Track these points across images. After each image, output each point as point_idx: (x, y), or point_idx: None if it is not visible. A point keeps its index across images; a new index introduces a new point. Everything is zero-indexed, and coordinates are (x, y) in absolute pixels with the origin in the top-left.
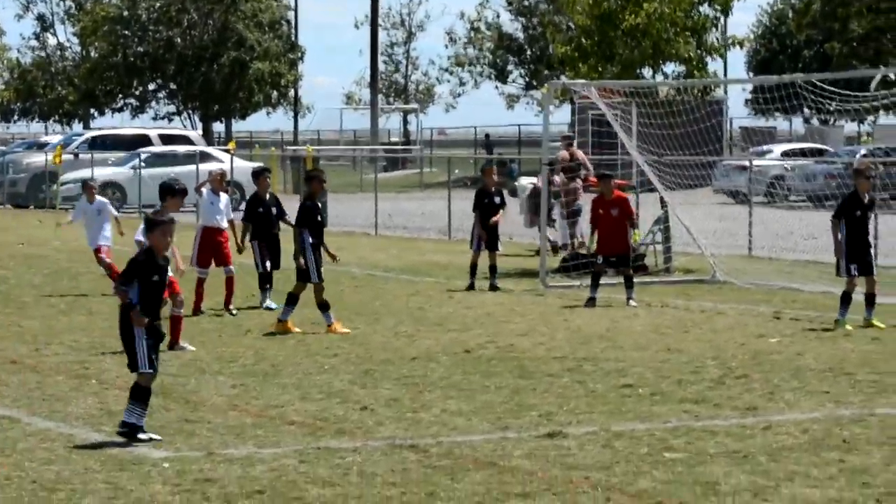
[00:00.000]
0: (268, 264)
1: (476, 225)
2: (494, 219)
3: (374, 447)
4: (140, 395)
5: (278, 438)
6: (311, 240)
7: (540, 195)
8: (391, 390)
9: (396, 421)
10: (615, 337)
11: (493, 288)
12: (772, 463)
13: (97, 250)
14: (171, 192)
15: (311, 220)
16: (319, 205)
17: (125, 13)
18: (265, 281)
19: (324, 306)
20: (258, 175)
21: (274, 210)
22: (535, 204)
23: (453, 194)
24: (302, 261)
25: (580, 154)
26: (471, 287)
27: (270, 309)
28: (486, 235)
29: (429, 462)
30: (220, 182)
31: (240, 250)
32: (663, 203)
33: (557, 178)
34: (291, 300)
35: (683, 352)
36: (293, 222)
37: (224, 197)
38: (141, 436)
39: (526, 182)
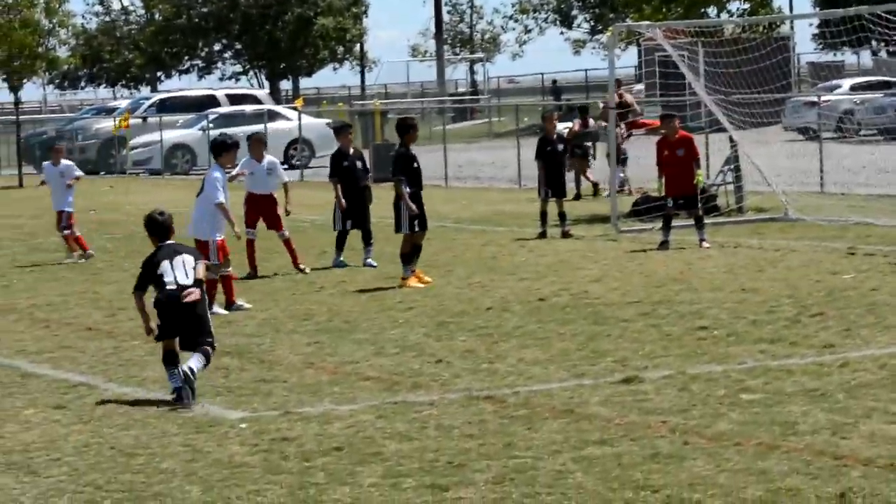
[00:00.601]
0: (348, 223)
1: (541, 172)
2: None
3: (450, 400)
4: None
5: (354, 395)
6: (408, 189)
7: (577, 138)
8: (466, 342)
9: (472, 373)
10: (689, 279)
11: (566, 235)
12: (850, 400)
13: (58, 215)
14: (225, 146)
15: (408, 169)
16: (414, 153)
17: None
18: (342, 239)
19: (406, 258)
20: (340, 131)
21: (359, 164)
22: (572, 147)
23: (522, 143)
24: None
25: (629, 97)
26: (542, 235)
27: (371, 266)
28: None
29: (506, 412)
30: (258, 148)
31: (287, 213)
32: (733, 142)
33: (603, 123)
34: (407, 259)
35: (758, 291)
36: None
37: (266, 161)
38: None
39: (562, 126)
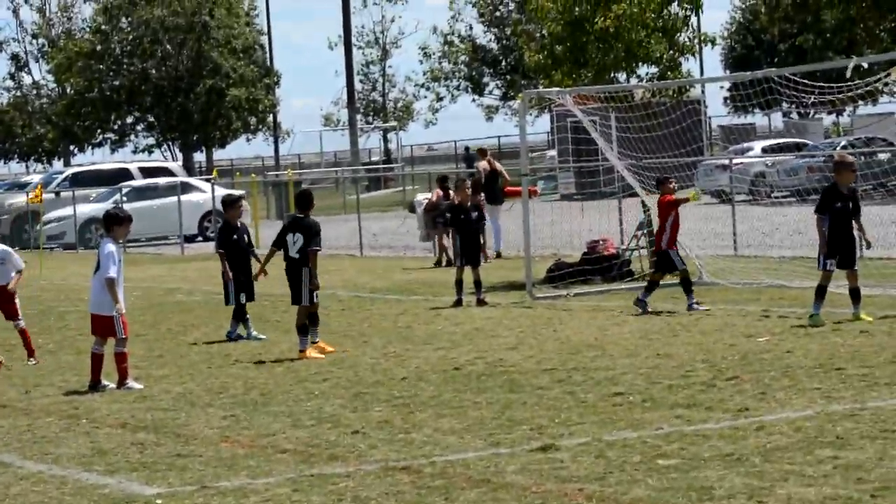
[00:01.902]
0: (242, 296)
1: (454, 241)
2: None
3: (367, 471)
4: None
5: (271, 468)
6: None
7: (436, 209)
8: (382, 412)
9: (389, 443)
10: (604, 345)
11: (481, 302)
12: (766, 464)
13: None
14: (117, 219)
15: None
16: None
17: (98, 48)
18: (242, 312)
19: (303, 329)
20: (230, 204)
21: (245, 237)
22: (432, 218)
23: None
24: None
25: (498, 165)
26: (458, 303)
27: (259, 339)
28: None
29: (422, 483)
30: None
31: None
32: (646, 207)
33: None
34: (304, 330)
35: (673, 356)
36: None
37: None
38: None
39: (421, 197)
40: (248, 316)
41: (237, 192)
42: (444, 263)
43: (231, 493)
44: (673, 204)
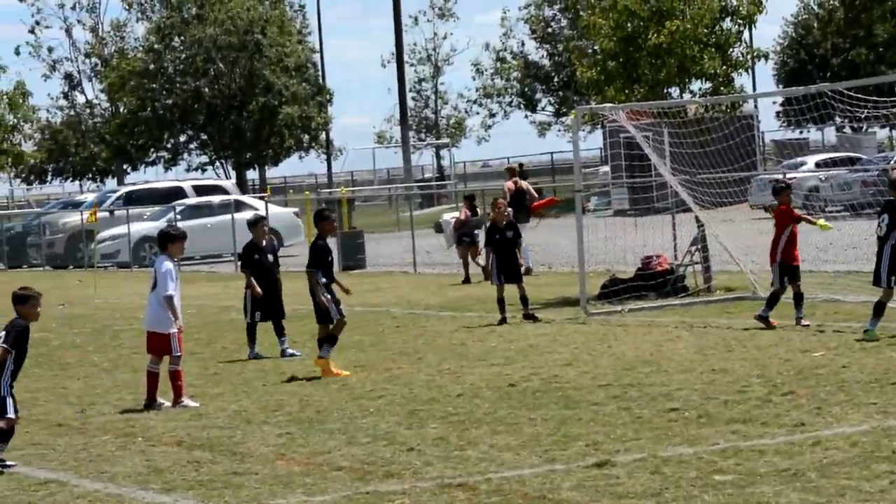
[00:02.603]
0: (257, 315)
1: (493, 260)
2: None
3: (422, 488)
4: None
5: (327, 485)
6: (323, 280)
7: (464, 227)
8: (437, 429)
9: (444, 460)
10: (659, 361)
11: (528, 317)
12: (822, 479)
13: None
14: (171, 237)
15: (323, 261)
16: (329, 244)
17: (151, 66)
18: (252, 331)
19: (330, 339)
20: (254, 224)
21: (270, 257)
22: (459, 237)
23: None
24: (323, 300)
25: (524, 184)
26: (503, 321)
27: (294, 356)
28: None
29: (478, 500)
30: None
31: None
32: (699, 222)
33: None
34: (327, 342)
35: (728, 371)
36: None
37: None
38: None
39: (449, 216)
40: (284, 332)
41: (261, 213)
42: (472, 282)
43: None
44: (791, 217)
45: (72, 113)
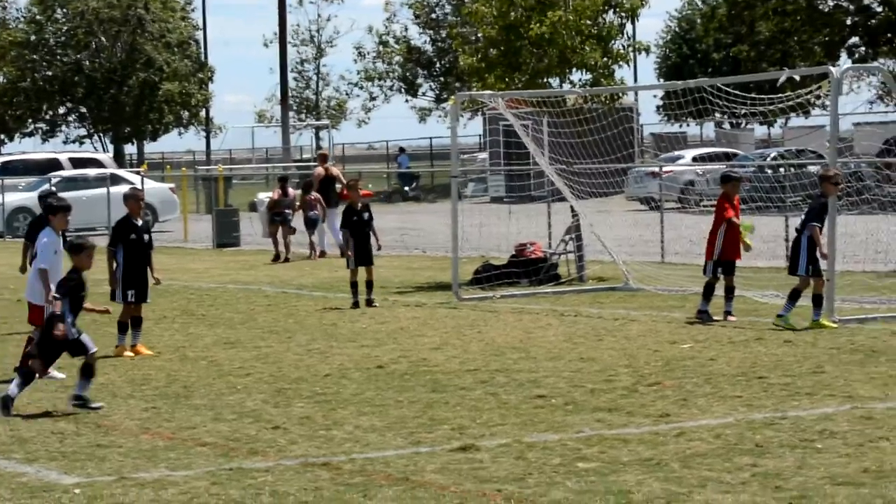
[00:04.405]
0: (130, 294)
1: (348, 241)
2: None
3: (286, 466)
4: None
5: (191, 460)
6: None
7: (276, 207)
8: (304, 408)
9: (309, 439)
10: (528, 347)
11: (370, 303)
12: (685, 469)
13: None
14: (53, 209)
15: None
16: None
17: (32, 37)
18: None
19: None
20: (130, 197)
21: (146, 236)
22: (272, 216)
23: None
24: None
25: (334, 170)
26: (355, 305)
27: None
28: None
29: (341, 479)
30: None
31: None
32: (574, 212)
33: (315, 194)
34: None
35: (596, 360)
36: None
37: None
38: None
39: (263, 196)
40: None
41: (137, 186)
42: (281, 259)
43: (150, 484)
44: (725, 211)
45: None
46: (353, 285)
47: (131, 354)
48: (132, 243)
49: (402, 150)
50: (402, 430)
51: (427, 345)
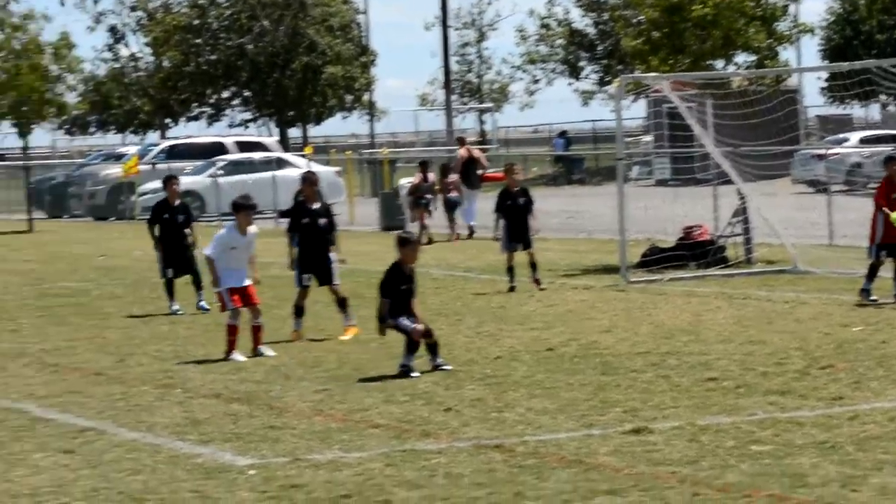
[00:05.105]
0: (170, 272)
1: (503, 227)
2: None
3: (459, 448)
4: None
5: (363, 442)
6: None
7: (418, 191)
8: (475, 390)
9: (481, 421)
10: (698, 330)
11: (538, 282)
12: (860, 452)
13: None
14: (234, 207)
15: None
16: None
17: (196, 22)
18: (170, 287)
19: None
20: (166, 182)
21: (181, 217)
22: (415, 200)
23: (531, 193)
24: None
25: (476, 151)
26: (512, 289)
27: (205, 309)
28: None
29: (515, 462)
30: None
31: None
32: (741, 195)
33: (455, 177)
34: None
35: (767, 343)
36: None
37: None
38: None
39: (405, 181)
40: (201, 287)
41: (173, 173)
42: (424, 242)
43: (324, 465)
44: (881, 197)
45: (116, 65)
46: (509, 270)
47: (348, 336)
48: (306, 227)
49: (561, 133)
50: (574, 412)
51: (596, 327)
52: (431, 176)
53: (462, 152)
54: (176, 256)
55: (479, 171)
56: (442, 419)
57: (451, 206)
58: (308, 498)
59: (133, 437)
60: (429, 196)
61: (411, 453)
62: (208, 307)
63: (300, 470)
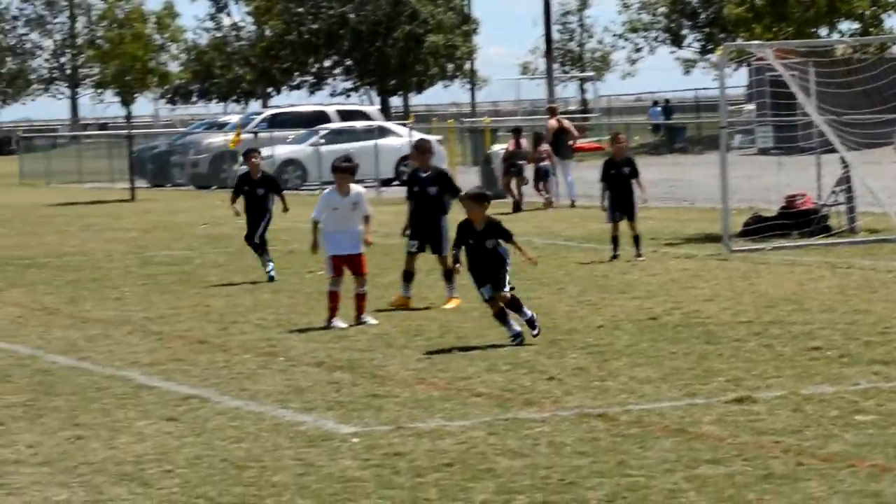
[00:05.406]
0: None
1: (607, 197)
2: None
3: (562, 417)
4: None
5: (466, 411)
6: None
7: (511, 158)
8: (577, 359)
9: (584, 390)
10: (801, 300)
11: (638, 256)
12: None
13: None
14: (332, 168)
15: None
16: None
17: None
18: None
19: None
20: (246, 155)
21: (260, 191)
22: (507, 167)
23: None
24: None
25: (566, 122)
26: (614, 258)
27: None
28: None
29: (617, 430)
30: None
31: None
32: (844, 163)
33: (546, 146)
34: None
35: (871, 312)
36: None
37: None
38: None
39: (498, 148)
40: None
41: (252, 146)
42: (515, 210)
43: (427, 434)
44: None
45: (218, 35)
46: (613, 239)
47: (452, 306)
48: (416, 195)
49: (655, 103)
50: (677, 381)
51: (699, 296)
52: (524, 143)
53: (552, 122)
54: (255, 229)
55: (570, 142)
56: (545, 388)
57: (542, 175)
58: (411, 466)
59: (236, 405)
60: (521, 163)
61: (514, 422)
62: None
63: (403, 438)
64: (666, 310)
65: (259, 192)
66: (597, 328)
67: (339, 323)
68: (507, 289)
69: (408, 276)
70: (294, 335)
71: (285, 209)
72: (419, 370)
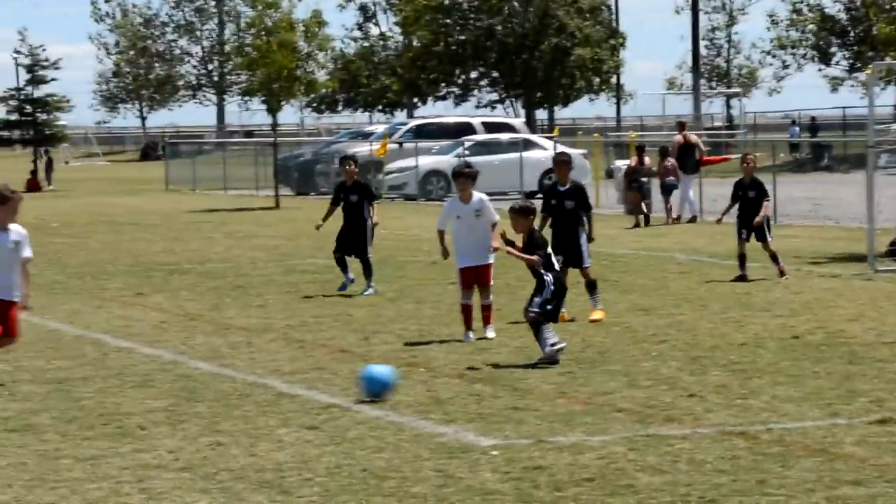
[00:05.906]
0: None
1: (730, 214)
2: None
3: (703, 434)
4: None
5: (607, 426)
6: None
7: (633, 174)
8: (719, 377)
9: (725, 408)
10: None
11: (782, 273)
12: None
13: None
14: (452, 174)
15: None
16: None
17: (446, 2)
18: (340, 263)
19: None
20: (341, 162)
21: (353, 198)
22: (630, 182)
23: (778, 179)
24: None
25: (693, 137)
26: (741, 278)
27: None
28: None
29: (759, 449)
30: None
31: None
32: None
33: (672, 161)
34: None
35: None
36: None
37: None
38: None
39: (621, 163)
40: (369, 275)
41: (348, 154)
42: (641, 225)
43: (567, 448)
44: None
45: (365, 44)
46: (741, 257)
47: (597, 318)
48: (554, 209)
49: (793, 122)
50: (820, 401)
51: (842, 316)
52: (647, 160)
53: (678, 137)
54: (345, 236)
55: (697, 156)
56: (686, 405)
57: (668, 190)
58: (551, 480)
59: (376, 415)
60: (643, 179)
61: (654, 438)
62: (371, 291)
63: (543, 452)
64: (809, 329)
65: (353, 198)
66: (739, 346)
67: (469, 336)
68: (535, 310)
69: None
70: (435, 346)
71: (375, 222)
72: (560, 384)
